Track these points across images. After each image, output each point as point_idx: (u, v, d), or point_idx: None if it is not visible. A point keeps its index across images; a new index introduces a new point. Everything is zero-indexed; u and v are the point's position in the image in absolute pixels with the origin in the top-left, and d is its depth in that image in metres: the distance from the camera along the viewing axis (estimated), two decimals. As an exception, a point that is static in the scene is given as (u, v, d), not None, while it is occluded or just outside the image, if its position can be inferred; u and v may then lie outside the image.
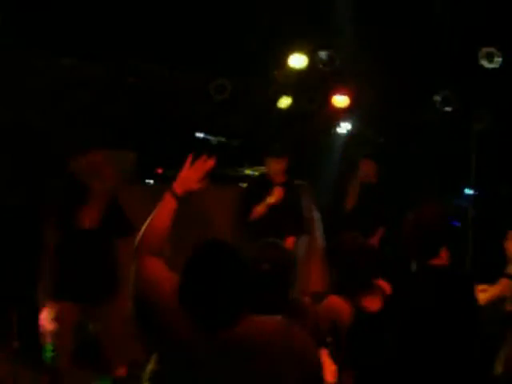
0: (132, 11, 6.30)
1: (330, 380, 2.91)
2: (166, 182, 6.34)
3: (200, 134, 6.94)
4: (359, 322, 2.92)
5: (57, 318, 4.13)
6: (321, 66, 7.27)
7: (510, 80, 7.12)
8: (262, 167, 6.13)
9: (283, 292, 2.88)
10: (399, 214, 3.40)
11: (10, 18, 5.64)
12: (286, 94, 7.38)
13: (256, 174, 6.85)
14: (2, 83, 5.82)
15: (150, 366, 2.18)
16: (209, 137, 6.99)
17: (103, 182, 4.27)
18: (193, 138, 7.14)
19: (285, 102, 7.27)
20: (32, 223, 5.07)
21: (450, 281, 2.69)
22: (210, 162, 2.63)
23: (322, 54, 7.33)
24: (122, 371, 4.36)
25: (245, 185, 6.38)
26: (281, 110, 7.33)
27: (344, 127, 7.94)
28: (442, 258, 2.81)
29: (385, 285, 3.12)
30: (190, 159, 2.63)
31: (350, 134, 7.93)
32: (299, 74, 7.14)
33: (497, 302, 4.50)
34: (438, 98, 7.49)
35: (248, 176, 7.04)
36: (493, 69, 7.13)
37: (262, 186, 5.69)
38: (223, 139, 6.90)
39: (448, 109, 7.45)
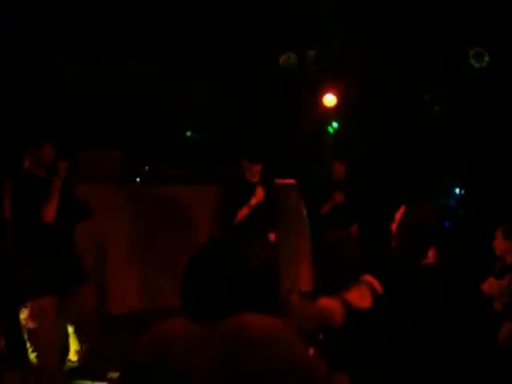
0: (118, 10, 6.28)
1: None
2: (152, 180, 6.38)
3: (188, 133, 6.93)
4: (351, 321, 2.91)
5: (38, 315, 4.10)
6: (310, 65, 7.28)
7: (498, 79, 7.15)
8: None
9: (272, 288, 2.89)
10: (386, 213, 3.38)
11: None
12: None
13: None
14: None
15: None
16: (196, 135, 6.98)
17: (59, 175, 4.29)
18: (181, 137, 7.13)
19: None
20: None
21: (441, 280, 2.66)
22: None
23: (311, 54, 7.34)
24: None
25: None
26: (269, 109, 7.34)
27: (333, 126, 7.95)
28: (430, 257, 2.78)
29: (373, 281, 3.11)
30: None
31: (337, 133, 7.93)
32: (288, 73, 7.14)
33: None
34: (426, 97, 7.52)
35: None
36: (481, 68, 7.16)
37: (240, 186, 5.73)
38: (210, 138, 6.90)
39: (437, 108, 7.48)
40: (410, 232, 2.83)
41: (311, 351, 2.98)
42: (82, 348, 4.35)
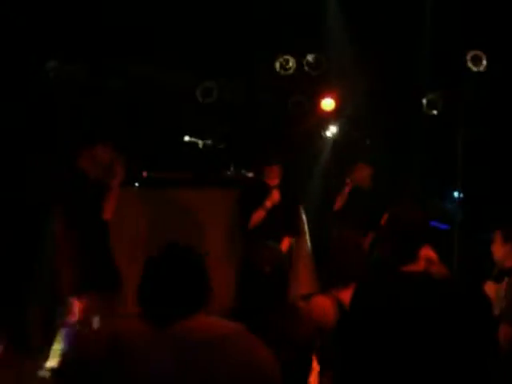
0: (118, 13, 6.28)
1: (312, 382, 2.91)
2: (151, 185, 6.38)
3: (186, 137, 6.92)
4: (340, 321, 2.91)
5: (85, 310, 4.17)
6: (308, 69, 7.29)
7: (496, 83, 7.15)
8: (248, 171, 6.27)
9: (282, 294, 2.89)
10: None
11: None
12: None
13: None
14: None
15: None
16: (195, 140, 6.97)
17: (116, 178, 4.41)
18: (179, 141, 7.12)
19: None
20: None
21: (428, 288, 2.61)
22: None
23: (310, 58, 7.34)
24: None
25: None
26: (268, 113, 7.35)
27: (331, 130, 7.94)
28: (420, 264, 2.73)
29: None
30: None
31: (336, 137, 7.93)
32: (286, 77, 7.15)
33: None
34: (424, 101, 7.52)
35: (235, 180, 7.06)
36: (479, 72, 7.17)
37: (259, 190, 5.79)
38: (209, 142, 6.89)
39: (434, 112, 7.48)
40: (394, 236, 2.79)
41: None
42: None
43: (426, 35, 7.25)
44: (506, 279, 4.37)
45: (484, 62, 7.34)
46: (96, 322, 4.28)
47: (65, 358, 2.20)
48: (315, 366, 3.04)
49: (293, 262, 6.39)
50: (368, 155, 7.16)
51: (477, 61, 7.37)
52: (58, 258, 4.51)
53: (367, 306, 2.57)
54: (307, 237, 6.85)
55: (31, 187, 5.78)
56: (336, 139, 7.93)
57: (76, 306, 4.30)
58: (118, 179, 4.59)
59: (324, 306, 3.11)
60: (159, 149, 6.74)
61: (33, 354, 4.76)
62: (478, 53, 7.35)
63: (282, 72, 7.10)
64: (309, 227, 6.81)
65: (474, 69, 7.35)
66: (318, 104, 7.56)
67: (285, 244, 5.78)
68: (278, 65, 7.09)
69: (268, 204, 5.69)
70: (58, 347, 4.47)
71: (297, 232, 6.13)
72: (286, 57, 7.01)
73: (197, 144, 6.97)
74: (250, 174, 6.95)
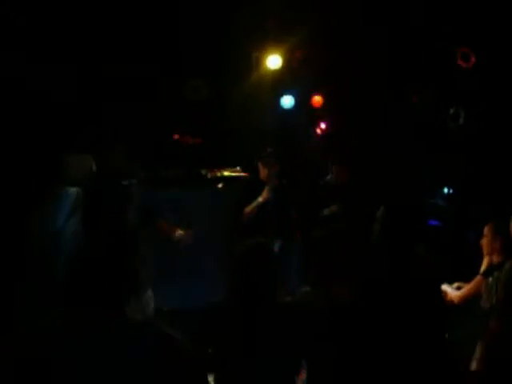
0: (107, 13, 6.27)
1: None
2: (142, 183, 6.35)
3: (176, 136, 6.91)
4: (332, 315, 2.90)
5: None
6: (297, 65, 7.29)
7: (485, 79, 7.17)
8: (238, 168, 6.26)
9: (271, 292, 2.88)
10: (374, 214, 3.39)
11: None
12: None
13: (233, 175, 6.91)
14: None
15: None
16: (185, 138, 6.97)
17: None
18: (169, 140, 7.12)
19: None
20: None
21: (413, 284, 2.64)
22: None
23: (299, 54, 7.35)
24: None
25: (220, 185, 6.48)
26: (256, 110, 7.34)
27: (320, 127, 7.96)
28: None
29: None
30: None
31: (325, 133, 7.94)
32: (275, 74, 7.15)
33: (473, 300, 4.51)
34: (415, 97, 7.54)
35: (227, 177, 7.05)
36: (468, 68, 7.19)
37: (255, 188, 5.87)
38: (199, 140, 6.89)
39: (424, 109, 7.50)
40: (388, 231, 2.82)
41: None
42: None
43: (416, 31, 7.26)
44: (496, 274, 4.38)
45: (473, 59, 7.37)
46: None
47: None
48: (305, 363, 3.04)
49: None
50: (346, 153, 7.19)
51: (466, 58, 7.40)
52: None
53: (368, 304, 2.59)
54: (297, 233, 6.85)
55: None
56: (325, 136, 7.93)
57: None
58: None
59: (310, 299, 3.10)
60: (148, 148, 6.72)
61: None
62: (468, 50, 7.38)
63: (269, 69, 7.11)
64: (301, 224, 6.80)
65: (464, 66, 7.37)
66: (307, 100, 7.57)
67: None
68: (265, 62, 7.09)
69: (259, 200, 5.72)
70: None
71: (288, 231, 6.13)
72: (273, 54, 7.00)
73: (187, 143, 6.97)
74: (241, 172, 6.95)
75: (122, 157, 5.16)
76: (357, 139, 7.83)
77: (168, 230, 5.43)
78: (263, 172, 5.87)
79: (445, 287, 4.64)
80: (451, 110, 7.54)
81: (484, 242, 4.66)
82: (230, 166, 7.11)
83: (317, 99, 7.52)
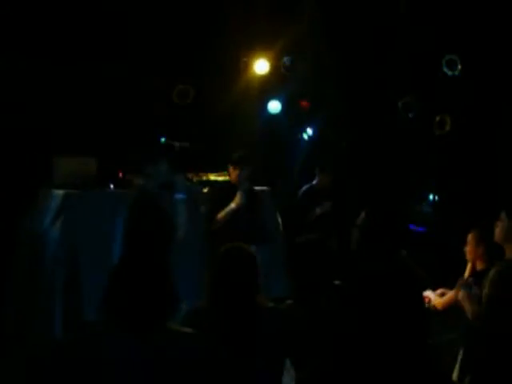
0: (94, 15, 6.26)
1: None
2: (126, 186, 6.34)
3: (162, 139, 6.89)
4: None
5: None
6: (284, 71, 7.31)
7: (470, 86, 7.22)
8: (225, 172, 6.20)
9: (250, 297, 2.88)
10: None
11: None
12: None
13: (220, 179, 6.86)
14: None
15: None
16: (172, 142, 6.94)
17: None
18: (156, 143, 7.09)
19: None
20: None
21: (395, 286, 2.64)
22: None
23: (286, 60, 7.37)
24: None
25: (206, 189, 6.41)
26: (245, 115, 7.35)
27: (307, 132, 7.96)
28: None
29: None
30: None
31: (312, 139, 7.95)
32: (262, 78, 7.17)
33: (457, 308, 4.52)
34: (400, 103, 7.57)
35: (213, 181, 7.02)
36: (454, 76, 7.24)
37: (226, 192, 5.74)
38: (186, 144, 6.86)
39: (410, 115, 7.54)
40: (367, 235, 2.83)
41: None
42: None
43: (402, 38, 7.31)
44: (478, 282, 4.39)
45: (459, 67, 7.42)
46: None
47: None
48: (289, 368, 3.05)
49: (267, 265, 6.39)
50: (344, 157, 7.20)
51: (452, 65, 7.45)
52: None
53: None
54: (281, 240, 6.82)
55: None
56: (312, 141, 7.94)
57: None
58: None
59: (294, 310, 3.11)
60: (135, 150, 6.70)
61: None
62: (454, 57, 7.43)
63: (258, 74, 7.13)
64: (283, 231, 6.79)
65: (450, 73, 7.42)
66: (294, 106, 7.59)
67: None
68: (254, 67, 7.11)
69: (232, 206, 5.63)
70: None
71: (262, 239, 6.03)
72: (262, 59, 7.02)
73: (173, 146, 6.94)
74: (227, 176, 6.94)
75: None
76: (343, 145, 7.87)
77: None
78: (233, 174, 5.74)
79: (428, 293, 4.66)
80: (437, 118, 7.59)
81: (468, 248, 4.68)
82: (217, 170, 7.10)
83: (304, 105, 7.54)
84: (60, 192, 5.57)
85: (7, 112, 6.16)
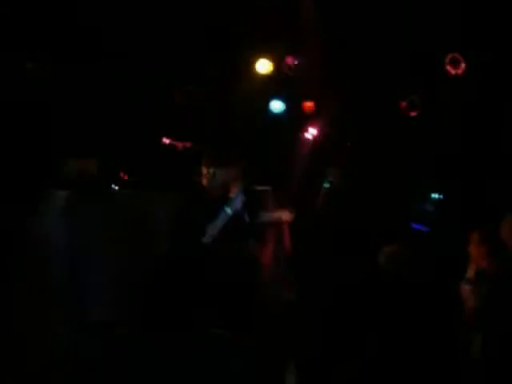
0: (95, 16, 6.26)
1: None
2: (130, 187, 6.37)
3: (166, 140, 6.91)
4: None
5: None
6: (287, 71, 7.30)
7: (473, 85, 7.21)
8: None
9: (248, 296, 2.90)
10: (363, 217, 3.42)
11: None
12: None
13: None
14: None
15: None
16: (175, 142, 6.96)
17: None
18: (158, 144, 7.11)
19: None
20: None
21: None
22: None
23: (289, 59, 7.36)
24: None
25: None
26: (247, 116, 7.35)
27: (310, 132, 7.95)
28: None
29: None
30: None
31: (315, 139, 7.93)
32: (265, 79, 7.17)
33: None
34: (403, 103, 7.56)
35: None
36: (457, 74, 7.21)
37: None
38: (189, 145, 6.88)
39: (413, 114, 7.52)
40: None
41: None
42: None
43: (404, 37, 7.28)
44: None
45: (463, 65, 7.39)
46: None
47: None
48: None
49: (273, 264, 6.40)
50: (348, 157, 7.19)
51: (455, 63, 7.42)
52: None
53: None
54: (288, 238, 6.82)
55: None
56: (314, 141, 7.93)
57: None
58: None
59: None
60: (138, 151, 6.72)
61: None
62: (457, 55, 7.40)
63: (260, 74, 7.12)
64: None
65: (453, 71, 7.40)
66: (298, 106, 7.57)
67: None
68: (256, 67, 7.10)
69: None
70: None
71: (258, 238, 6.00)
72: (264, 59, 7.01)
73: (176, 147, 6.96)
74: None
75: None
76: (346, 144, 7.86)
77: None
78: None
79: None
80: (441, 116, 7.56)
81: (471, 247, 4.68)
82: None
83: (308, 105, 7.53)
84: (64, 193, 5.59)
85: (9, 112, 6.18)
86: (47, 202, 5.68)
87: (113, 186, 6.15)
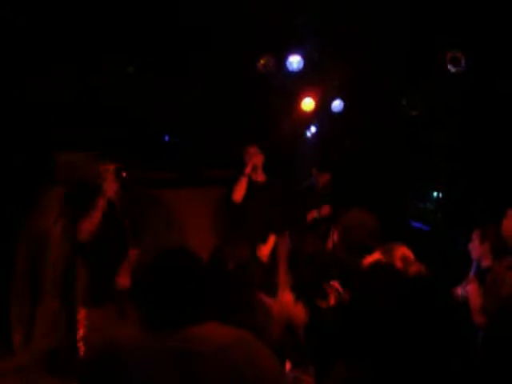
0: (99, 12, 6.23)
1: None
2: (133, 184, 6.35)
3: (167, 137, 6.90)
4: (315, 319, 2.93)
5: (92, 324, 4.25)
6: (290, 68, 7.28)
7: (474, 84, 7.20)
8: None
9: (246, 291, 2.89)
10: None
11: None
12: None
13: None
14: None
15: None
16: (175, 139, 6.96)
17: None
18: (160, 141, 7.11)
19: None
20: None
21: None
22: None
23: (291, 58, 7.33)
24: None
25: None
26: (250, 112, 7.35)
27: (311, 130, 7.94)
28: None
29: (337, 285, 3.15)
30: None
31: (316, 137, 7.93)
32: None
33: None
34: (404, 101, 7.55)
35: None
36: (458, 73, 7.20)
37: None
38: (189, 141, 6.88)
39: (414, 112, 7.51)
40: (344, 235, 2.97)
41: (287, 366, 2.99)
42: None
43: (405, 35, 7.27)
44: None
45: (463, 63, 7.38)
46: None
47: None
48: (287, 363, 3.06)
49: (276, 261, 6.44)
50: (347, 155, 7.19)
51: (456, 61, 7.41)
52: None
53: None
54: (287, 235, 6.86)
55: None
56: (315, 139, 7.93)
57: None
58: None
59: (292, 305, 3.12)
60: (138, 148, 6.70)
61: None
62: (457, 53, 7.39)
63: (262, 71, 7.10)
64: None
65: (453, 70, 7.38)
66: (297, 104, 7.56)
67: (270, 242, 5.87)
68: (258, 64, 7.08)
69: (247, 170, 5.89)
70: None
71: (279, 230, 6.14)
72: (267, 57, 6.99)
73: (177, 144, 6.96)
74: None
75: None
76: (345, 142, 7.86)
77: None
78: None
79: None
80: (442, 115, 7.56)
81: (472, 246, 4.67)
82: (220, 166, 7.11)
83: (307, 102, 7.50)
84: (62, 190, 5.58)
85: (7, 108, 6.15)
86: (45, 199, 5.68)
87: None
